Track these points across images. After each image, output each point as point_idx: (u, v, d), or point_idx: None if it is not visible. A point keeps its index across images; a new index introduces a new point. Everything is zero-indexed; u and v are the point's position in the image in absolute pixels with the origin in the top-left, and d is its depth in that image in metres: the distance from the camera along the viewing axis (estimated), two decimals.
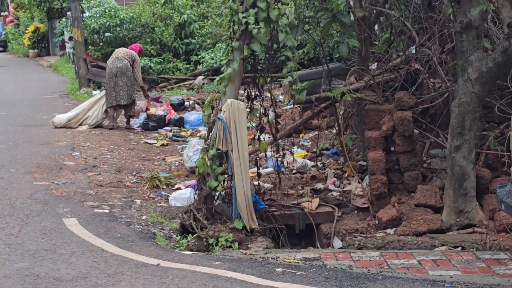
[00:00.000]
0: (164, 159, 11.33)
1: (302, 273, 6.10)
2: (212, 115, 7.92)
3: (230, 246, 7.24)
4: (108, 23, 20.81)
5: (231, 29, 7.84)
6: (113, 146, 12.05)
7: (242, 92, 8.51)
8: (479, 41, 7.50)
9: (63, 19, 28.09)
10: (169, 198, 8.75)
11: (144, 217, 7.94)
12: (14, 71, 28.94)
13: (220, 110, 7.68)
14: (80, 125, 13.79)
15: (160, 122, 14.19)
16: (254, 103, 8.44)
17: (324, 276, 6.00)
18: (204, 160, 7.74)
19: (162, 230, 7.57)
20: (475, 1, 7.29)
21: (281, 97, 15.36)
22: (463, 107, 7.51)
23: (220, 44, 20.46)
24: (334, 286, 5.75)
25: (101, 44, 21.00)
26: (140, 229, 7.50)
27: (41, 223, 7.54)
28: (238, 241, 7.31)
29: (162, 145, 12.50)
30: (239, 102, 7.63)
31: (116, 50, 14.31)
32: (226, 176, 7.76)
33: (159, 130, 13.92)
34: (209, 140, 7.83)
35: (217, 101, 7.95)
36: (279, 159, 8.65)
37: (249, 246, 7.33)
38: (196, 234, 7.44)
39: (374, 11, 10.02)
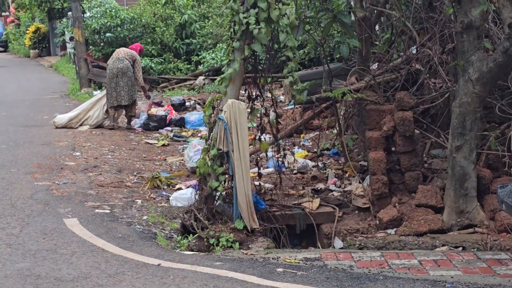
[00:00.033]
0: (165, 159, 11.33)
1: (303, 273, 6.10)
2: (213, 115, 7.92)
3: (231, 246, 7.24)
4: (109, 23, 20.81)
5: (231, 29, 7.84)
6: (114, 146, 12.05)
7: (243, 92, 8.51)
8: (480, 41, 7.50)
9: (64, 19, 28.10)
10: (170, 198, 8.75)
11: (145, 217, 7.95)
12: (15, 71, 28.95)
13: (221, 110, 7.68)
14: (81, 125, 13.79)
15: (161, 122, 14.19)
16: (255, 103, 8.45)
17: (325, 276, 6.00)
18: (205, 160, 7.74)
19: (163, 230, 7.57)
20: (476, 2, 7.29)
21: (282, 97, 15.36)
22: (464, 107, 7.51)
23: (221, 44, 20.47)
24: (335, 286, 5.76)
25: (102, 44, 21.00)
26: (141, 229, 7.50)
27: (42, 223, 7.54)
28: (239, 241, 7.31)
29: (163, 145, 12.50)
30: (240, 102, 7.63)
31: (117, 50, 14.30)
32: (227, 176, 7.76)
33: (160, 130, 13.92)
34: (210, 140, 7.83)
35: (218, 101, 7.95)
36: (280, 159, 8.65)
37: (250, 246, 7.33)
38: (197, 234, 7.45)
39: (375, 11, 10.03)
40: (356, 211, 8.46)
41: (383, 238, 7.60)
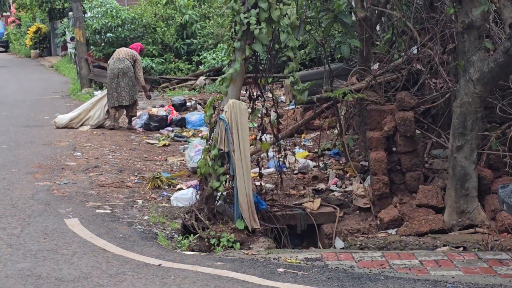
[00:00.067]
0: (166, 160, 11.33)
1: (304, 274, 6.10)
2: (214, 115, 7.92)
3: (232, 247, 7.24)
4: (109, 23, 20.83)
5: (232, 30, 7.84)
6: (115, 146, 12.05)
7: (244, 92, 8.51)
8: (481, 41, 7.50)
9: (65, 20, 28.11)
10: (171, 198, 8.75)
11: (145, 217, 7.95)
12: (16, 71, 28.96)
13: (222, 110, 7.68)
14: (81, 125, 13.80)
15: (162, 123, 14.20)
16: (256, 103, 8.45)
17: (326, 277, 6.00)
18: (206, 160, 7.74)
19: (163, 231, 7.57)
20: (477, 2, 7.28)
21: (282, 98, 15.36)
22: (464, 107, 7.51)
23: (221, 44, 20.48)
24: (336, 286, 5.76)
25: (102, 44, 21.02)
26: (141, 230, 7.50)
27: (42, 223, 7.54)
28: (240, 242, 7.31)
29: (164, 145, 12.51)
30: (240, 103, 7.63)
31: (117, 50, 14.28)
32: (228, 176, 7.76)
33: (161, 131, 13.93)
34: (211, 141, 7.83)
35: (219, 101, 7.95)
36: (281, 159, 8.64)
37: (250, 246, 7.33)
38: (198, 235, 7.45)
39: (376, 11, 10.02)
40: (357, 211, 8.46)
41: (384, 238, 7.60)
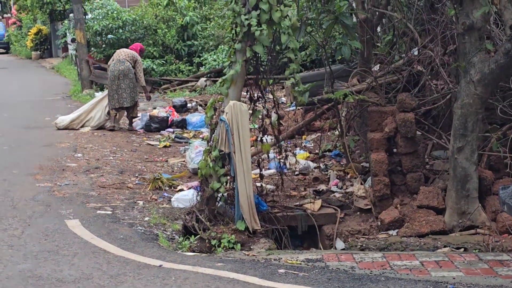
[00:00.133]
0: (167, 161, 11.33)
1: (305, 274, 6.10)
2: (214, 116, 7.93)
3: (233, 248, 7.24)
4: (110, 25, 20.84)
5: (233, 31, 7.85)
6: (115, 147, 12.06)
7: (245, 93, 8.53)
8: (482, 42, 7.51)
9: (66, 21, 28.12)
10: (172, 199, 8.75)
11: (146, 218, 7.95)
12: (17, 73, 28.97)
13: (223, 111, 7.69)
14: (82, 126, 13.79)
15: (162, 124, 14.20)
16: (257, 104, 8.46)
17: (327, 277, 6.01)
18: (207, 161, 7.75)
19: (164, 232, 7.57)
20: (478, 3, 7.29)
21: (283, 99, 15.37)
22: (465, 108, 7.52)
23: (222, 46, 20.49)
24: (337, 287, 5.76)
25: (103, 46, 21.02)
26: (142, 231, 7.50)
27: (43, 224, 7.54)
28: (241, 243, 7.32)
29: (165, 146, 12.51)
30: (241, 104, 7.63)
31: (117, 51, 14.22)
32: (228, 177, 7.76)
33: (162, 132, 13.92)
34: (211, 142, 7.84)
35: (220, 102, 7.96)
36: (282, 160, 8.65)
37: (251, 247, 7.33)
38: (198, 236, 7.45)
39: (377, 13, 10.03)
40: (358, 213, 8.46)
41: (385, 239, 7.60)
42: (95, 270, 6.15)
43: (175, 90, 19.68)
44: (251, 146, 8.16)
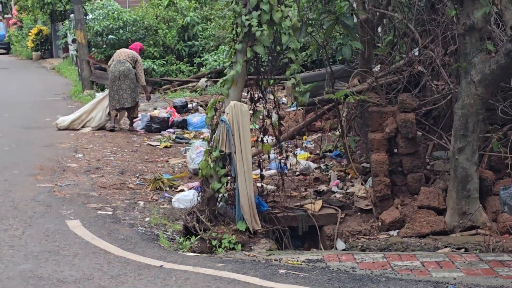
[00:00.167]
0: (167, 161, 11.34)
1: (305, 275, 6.10)
2: (215, 117, 7.93)
3: (233, 248, 7.24)
4: (111, 25, 20.85)
5: (234, 32, 7.85)
6: (116, 148, 12.06)
7: (245, 94, 8.53)
8: (482, 43, 7.51)
9: (66, 22, 28.14)
10: (172, 200, 8.75)
11: (147, 218, 7.95)
12: (17, 73, 28.98)
13: (223, 112, 7.69)
14: (83, 127, 13.79)
15: (163, 124, 14.20)
16: (257, 105, 8.46)
17: (327, 278, 6.01)
18: (207, 162, 7.75)
19: (165, 232, 7.57)
20: (478, 4, 7.29)
21: (284, 99, 15.37)
22: (466, 109, 7.52)
23: (223, 46, 20.49)
24: (337, 287, 5.76)
25: (104, 46, 21.03)
26: (143, 231, 7.50)
27: (44, 225, 7.54)
28: (241, 243, 7.32)
29: (165, 147, 12.51)
30: (242, 104, 7.63)
31: (117, 52, 14.20)
32: (229, 178, 7.77)
33: (162, 132, 13.92)
34: (212, 142, 7.84)
35: (220, 103, 7.96)
36: (282, 161, 8.65)
37: (252, 247, 7.34)
38: (199, 236, 7.45)
39: (377, 13, 10.02)
40: (359, 213, 8.46)
41: (386, 239, 7.60)
42: (96, 271, 6.15)
43: (175, 90, 19.69)
44: (252, 146, 8.16)
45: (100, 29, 20.78)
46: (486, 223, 7.58)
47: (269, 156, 9.06)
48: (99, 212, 8.12)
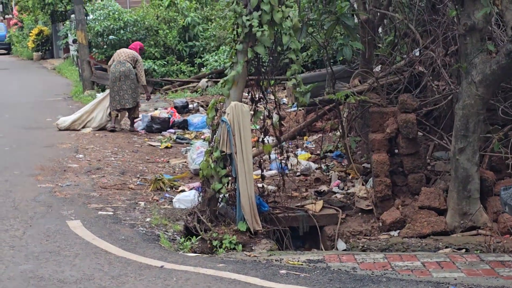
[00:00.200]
0: (168, 162, 11.34)
1: (306, 275, 6.10)
2: (216, 117, 7.93)
3: (234, 248, 7.24)
4: (112, 25, 20.86)
5: (235, 32, 7.85)
6: (117, 148, 12.06)
7: (246, 94, 8.53)
8: (483, 43, 7.50)
9: (67, 22, 28.13)
10: (173, 200, 8.75)
11: (148, 219, 7.95)
12: (18, 73, 28.98)
13: (224, 112, 7.69)
14: (84, 127, 13.79)
15: (164, 125, 14.19)
16: (258, 105, 8.46)
17: (328, 278, 6.01)
18: (208, 162, 7.75)
19: (166, 232, 7.57)
20: (479, 4, 7.29)
21: (285, 100, 15.37)
22: (467, 109, 7.52)
23: (224, 46, 20.49)
24: None
25: (105, 46, 21.05)
26: (144, 231, 7.50)
27: (45, 225, 7.55)
28: (242, 243, 7.32)
29: (166, 147, 12.51)
30: (243, 105, 7.63)
31: (117, 52, 14.15)
32: (230, 178, 7.77)
33: (163, 133, 13.92)
34: (213, 143, 7.84)
35: (221, 103, 7.96)
36: (283, 161, 8.65)
37: (253, 248, 7.33)
38: (200, 236, 7.45)
39: (378, 13, 10.02)
40: (359, 213, 8.46)
41: (386, 240, 7.60)
42: (97, 271, 6.15)
43: (176, 91, 19.69)
44: (253, 147, 8.16)
45: (101, 30, 20.80)
46: (487, 223, 7.58)
47: (269, 157, 9.06)
48: (99, 212, 8.12)
